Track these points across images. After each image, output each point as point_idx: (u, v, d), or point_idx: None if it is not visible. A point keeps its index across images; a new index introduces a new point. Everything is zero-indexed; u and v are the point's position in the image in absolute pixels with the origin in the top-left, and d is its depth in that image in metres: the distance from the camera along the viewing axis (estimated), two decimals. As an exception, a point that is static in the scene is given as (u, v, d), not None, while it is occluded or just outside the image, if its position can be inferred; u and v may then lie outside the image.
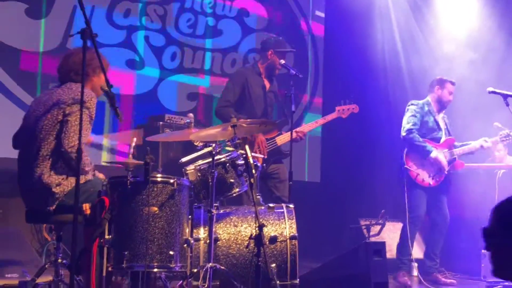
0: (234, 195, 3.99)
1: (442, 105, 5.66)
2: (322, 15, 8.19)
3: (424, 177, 5.46)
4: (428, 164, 5.44)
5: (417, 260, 5.86)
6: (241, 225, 3.91)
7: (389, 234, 6.40)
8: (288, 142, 4.89)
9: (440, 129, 5.64)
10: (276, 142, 4.98)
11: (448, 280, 5.48)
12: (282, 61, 4.92)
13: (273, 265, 3.78)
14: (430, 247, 5.63)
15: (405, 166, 5.45)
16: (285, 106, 5.08)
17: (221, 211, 3.97)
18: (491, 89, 5.03)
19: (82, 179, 3.43)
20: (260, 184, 4.60)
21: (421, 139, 5.46)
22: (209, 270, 3.53)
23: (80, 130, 2.96)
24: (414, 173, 5.44)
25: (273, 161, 4.99)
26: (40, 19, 5.70)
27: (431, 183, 5.45)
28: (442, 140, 5.60)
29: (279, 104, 5.59)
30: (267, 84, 5.18)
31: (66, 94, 3.50)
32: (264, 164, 4.68)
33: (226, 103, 5.03)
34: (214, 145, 3.78)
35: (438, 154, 5.42)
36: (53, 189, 3.40)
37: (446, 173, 5.46)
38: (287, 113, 4.66)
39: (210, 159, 3.76)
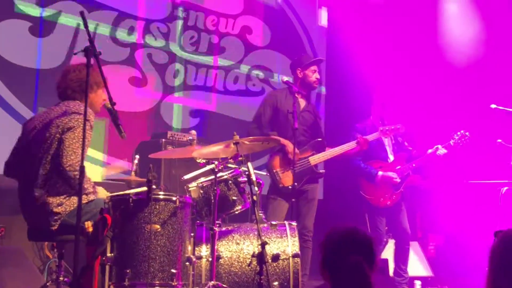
0: (237, 212, 3.98)
1: (384, 123, 5.41)
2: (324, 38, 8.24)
3: (379, 199, 5.37)
4: (380, 185, 5.35)
5: (421, 278, 5.80)
6: (244, 243, 3.89)
7: (392, 252, 6.34)
8: (322, 162, 5.05)
9: (384, 148, 5.49)
10: (309, 162, 4.97)
11: None
12: (285, 78, 4.92)
13: (276, 283, 3.75)
14: (396, 263, 5.48)
15: (360, 191, 5.44)
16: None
17: (223, 229, 3.95)
18: (494, 106, 5.02)
19: (85, 200, 3.41)
20: (292, 203, 4.60)
21: (362, 165, 5.41)
22: (211, 288, 3.51)
23: (82, 149, 2.96)
24: (368, 197, 5.40)
25: (306, 181, 4.95)
26: (44, 37, 5.73)
27: (388, 203, 5.35)
28: (391, 159, 5.48)
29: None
30: (302, 103, 5.13)
31: (62, 111, 3.49)
32: (296, 184, 4.67)
33: (256, 124, 5.06)
34: (216, 162, 3.79)
35: (385, 173, 5.34)
36: (55, 209, 3.38)
37: (402, 189, 5.34)
38: (292, 130, 4.64)
39: (213, 177, 3.76)
